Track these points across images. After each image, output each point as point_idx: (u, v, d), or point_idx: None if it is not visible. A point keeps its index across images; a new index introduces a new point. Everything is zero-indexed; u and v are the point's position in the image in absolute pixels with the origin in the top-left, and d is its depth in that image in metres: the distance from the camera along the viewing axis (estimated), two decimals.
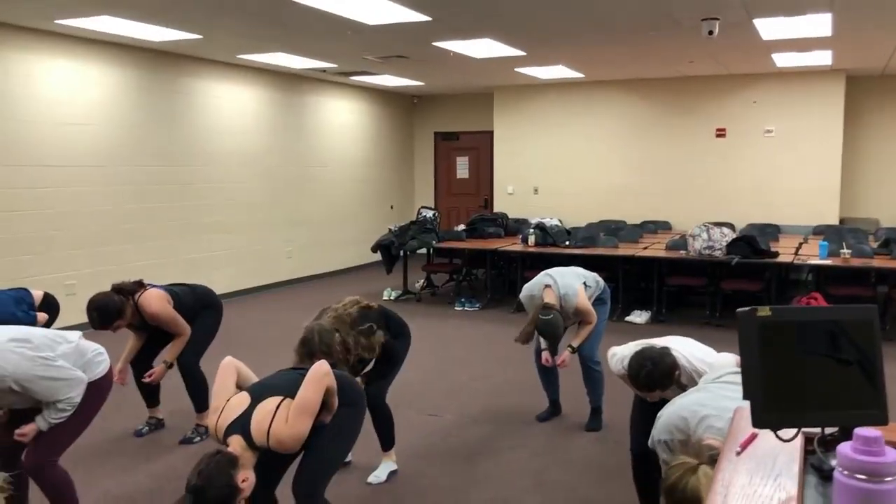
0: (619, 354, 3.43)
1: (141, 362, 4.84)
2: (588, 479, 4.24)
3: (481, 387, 5.97)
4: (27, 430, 3.17)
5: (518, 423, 5.13)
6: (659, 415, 2.68)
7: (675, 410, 2.61)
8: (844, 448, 1.19)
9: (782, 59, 9.23)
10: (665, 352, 3.19)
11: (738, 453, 1.73)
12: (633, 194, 11.44)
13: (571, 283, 4.86)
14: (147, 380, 4.69)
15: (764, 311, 1.61)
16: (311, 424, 2.79)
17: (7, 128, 7.14)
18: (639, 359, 3.17)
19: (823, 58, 9.08)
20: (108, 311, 4.35)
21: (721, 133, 10.95)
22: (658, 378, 3.13)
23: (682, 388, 3.12)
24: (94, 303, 4.35)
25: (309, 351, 3.53)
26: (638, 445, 3.39)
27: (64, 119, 7.65)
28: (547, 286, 4.86)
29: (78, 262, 7.73)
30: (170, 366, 4.67)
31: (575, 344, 4.85)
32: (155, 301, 4.53)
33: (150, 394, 4.96)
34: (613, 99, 11.55)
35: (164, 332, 4.68)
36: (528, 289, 5.00)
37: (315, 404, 2.79)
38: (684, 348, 3.30)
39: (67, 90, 7.67)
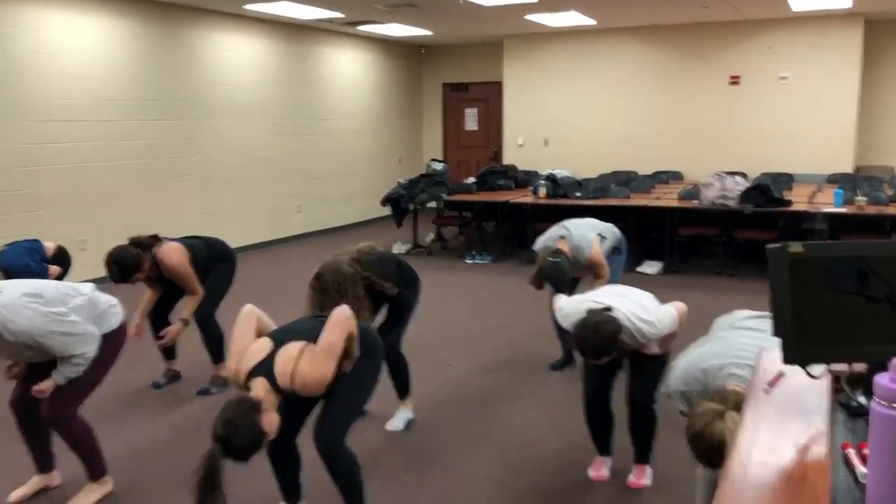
0: (567, 311, 3.43)
1: (157, 316, 4.86)
2: None
3: (494, 337, 5.99)
4: (44, 387, 3.19)
5: (532, 372, 5.15)
6: (673, 365, 2.67)
7: (693, 361, 2.60)
8: (882, 379, 1.17)
9: (799, 3, 9.04)
10: (608, 318, 3.22)
11: (766, 391, 1.72)
12: (645, 144, 11.32)
13: (586, 235, 4.84)
14: (162, 340, 4.71)
15: (795, 247, 1.58)
16: (335, 368, 2.79)
17: (17, 82, 7.08)
18: (583, 329, 3.22)
19: (843, 0, 8.88)
20: (126, 264, 4.36)
21: (735, 80, 10.78)
22: (603, 347, 3.20)
23: (624, 347, 3.26)
24: (113, 256, 4.36)
25: (322, 285, 3.54)
26: (591, 391, 3.55)
27: (71, 72, 7.58)
28: (561, 237, 4.85)
29: (90, 218, 7.73)
30: (186, 323, 4.68)
31: None
32: (174, 254, 4.53)
33: (168, 347, 4.99)
34: (625, 47, 11.37)
35: (179, 286, 4.69)
36: (543, 240, 5.00)
37: (338, 347, 2.80)
38: (626, 306, 3.31)
39: (73, 44, 7.59)
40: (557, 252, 4.68)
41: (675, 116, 11.16)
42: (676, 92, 11.14)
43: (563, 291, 4.82)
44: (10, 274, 4.79)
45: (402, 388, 4.31)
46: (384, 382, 4.36)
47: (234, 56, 9.58)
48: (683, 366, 2.63)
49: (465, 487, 3.57)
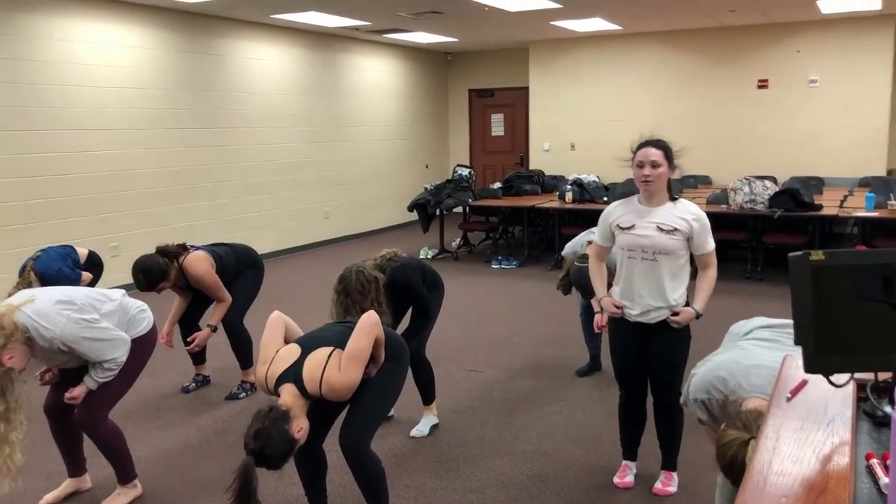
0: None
1: (187, 322, 4.92)
2: None
3: (520, 342, 5.98)
4: (77, 393, 3.26)
5: (558, 378, 5.14)
6: (693, 373, 2.65)
7: (712, 369, 2.58)
8: None
9: (828, 5, 8.93)
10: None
11: (789, 399, 1.71)
12: (673, 148, 11.23)
13: None
14: (190, 346, 4.77)
15: (817, 254, 1.58)
16: (362, 374, 2.82)
17: (52, 92, 7.23)
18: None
19: (873, 2, 8.76)
20: (152, 273, 4.42)
21: (763, 84, 10.67)
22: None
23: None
24: (140, 265, 4.43)
25: (345, 288, 3.58)
26: (627, 391, 3.67)
27: (105, 83, 7.72)
28: (590, 242, 4.82)
29: (121, 224, 7.85)
30: (214, 329, 4.74)
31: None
32: (199, 264, 4.59)
33: (197, 352, 5.05)
34: (651, 51, 11.31)
35: (207, 294, 4.75)
36: (571, 245, 5.01)
37: (366, 353, 2.83)
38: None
39: (107, 54, 7.73)
40: (585, 257, 4.67)
41: (703, 121, 11.08)
42: (704, 96, 11.06)
43: (590, 297, 4.80)
44: (45, 279, 4.90)
45: (427, 394, 4.33)
46: (409, 388, 4.39)
47: (262, 64, 9.69)
48: (703, 374, 2.61)
49: (489, 494, 3.57)
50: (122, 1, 7.81)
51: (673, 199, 3.34)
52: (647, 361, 3.44)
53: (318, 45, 10.60)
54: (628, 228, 3.32)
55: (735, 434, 2.13)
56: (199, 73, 8.82)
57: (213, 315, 4.73)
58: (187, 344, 4.80)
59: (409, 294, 4.09)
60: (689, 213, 3.30)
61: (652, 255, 3.27)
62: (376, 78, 11.90)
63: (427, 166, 13.22)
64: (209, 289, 4.64)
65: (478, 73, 13.57)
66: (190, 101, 8.71)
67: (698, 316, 3.33)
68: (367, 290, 3.55)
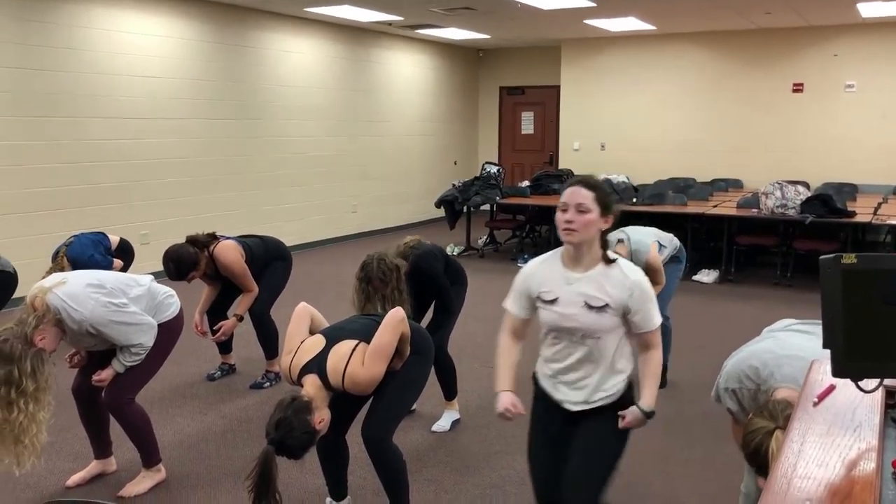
0: None
1: (214, 312, 4.98)
2: (655, 432, 4.21)
3: None
4: (104, 376, 3.31)
5: None
6: (725, 363, 2.60)
7: (745, 358, 2.53)
8: None
9: (868, 9, 8.79)
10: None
11: (815, 404, 1.69)
12: (704, 151, 11.14)
13: (644, 240, 4.80)
14: (216, 335, 4.81)
15: (849, 258, 1.56)
16: (385, 369, 2.83)
17: (88, 81, 7.34)
18: None
19: None
20: (183, 263, 4.48)
21: (798, 88, 10.54)
22: None
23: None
24: (170, 254, 4.49)
25: (367, 275, 3.60)
26: None
27: (140, 72, 7.82)
28: (619, 241, 4.79)
29: (152, 213, 7.95)
30: (240, 319, 4.79)
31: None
32: (229, 252, 4.64)
33: (223, 341, 5.10)
34: (685, 52, 11.21)
35: (236, 284, 4.80)
36: None
37: (391, 349, 2.83)
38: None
39: (142, 44, 7.83)
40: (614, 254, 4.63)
41: (736, 124, 10.96)
42: (737, 99, 10.94)
43: None
44: (77, 264, 4.98)
45: (449, 389, 4.33)
46: (432, 383, 4.40)
47: (294, 57, 9.75)
48: (735, 363, 2.56)
49: (509, 490, 3.57)
50: None
51: (608, 260, 2.52)
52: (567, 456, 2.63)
53: (350, 39, 10.64)
54: (551, 302, 2.55)
55: (762, 423, 2.11)
56: (233, 65, 8.90)
57: (239, 305, 4.77)
58: (214, 333, 4.85)
59: (430, 282, 4.09)
60: (626, 280, 2.48)
61: (581, 339, 2.53)
62: (407, 73, 11.92)
63: (455, 163, 13.22)
64: (237, 278, 4.69)
65: (509, 71, 13.54)
66: (223, 92, 8.79)
67: (649, 416, 2.57)
68: (389, 278, 3.55)
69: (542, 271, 2.59)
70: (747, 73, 10.85)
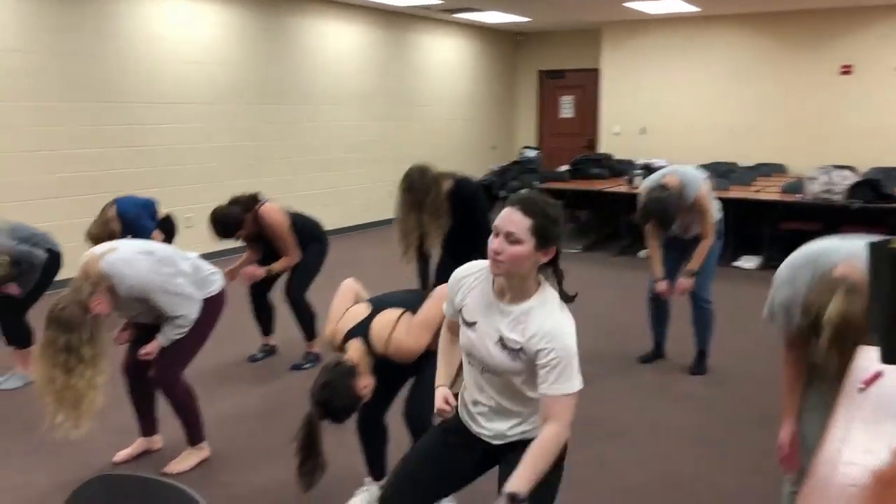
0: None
1: (258, 293, 5.03)
2: (693, 419, 4.19)
3: (581, 328, 5.90)
4: (150, 349, 3.38)
5: (620, 364, 5.09)
6: (776, 274, 2.42)
7: (797, 256, 2.38)
8: None
9: None
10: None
11: (861, 390, 1.67)
12: (747, 135, 10.95)
13: (696, 178, 4.62)
14: (249, 276, 4.79)
15: None
16: (430, 341, 2.83)
17: (131, 67, 7.46)
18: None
19: None
20: (228, 222, 4.59)
21: (846, 70, 10.28)
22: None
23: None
24: (216, 214, 4.60)
25: (410, 185, 3.82)
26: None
27: (181, 58, 7.92)
28: (670, 174, 4.65)
29: (195, 196, 8.07)
30: (269, 272, 4.79)
31: (693, 266, 4.62)
32: (274, 213, 4.72)
33: (266, 323, 5.17)
34: (729, 34, 11.00)
35: (276, 249, 4.83)
36: (649, 180, 4.74)
37: (437, 321, 2.81)
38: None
39: (184, 30, 7.93)
40: (664, 187, 4.52)
41: (780, 107, 10.74)
42: (782, 82, 10.71)
43: (667, 226, 4.55)
44: (124, 218, 5.22)
45: None
46: None
47: (334, 42, 9.79)
48: (787, 264, 2.39)
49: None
50: None
51: (542, 296, 2.22)
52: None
53: (389, 23, 10.64)
54: (469, 325, 2.19)
55: (820, 293, 2.06)
56: (274, 51, 8.96)
57: (276, 263, 4.77)
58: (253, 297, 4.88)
59: (470, 204, 4.11)
60: (546, 333, 2.16)
61: (497, 372, 2.18)
62: (446, 57, 11.89)
63: (494, 147, 13.18)
64: (280, 240, 4.73)
65: (548, 54, 13.42)
66: (264, 77, 8.86)
67: (513, 499, 1.96)
68: (430, 189, 3.54)
69: (469, 284, 2.21)
70: (793, 55, 10.61)
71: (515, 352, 2.09)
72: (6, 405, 4.40)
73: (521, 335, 2.09)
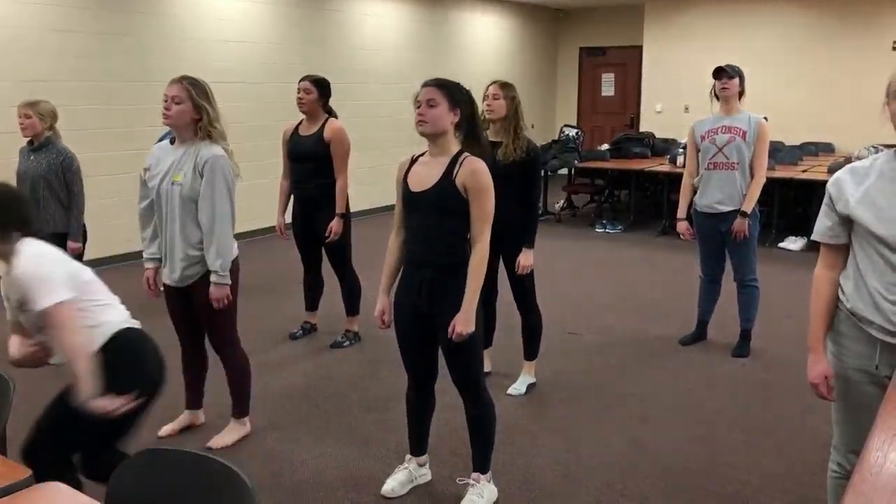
0: None
1: (313, 258, 5.03)
2: (735, 402, 4.14)
3: (622, 308, 5.89)
4: (215, 294, 3.34)
5: (660, 346, 5.04)
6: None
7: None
8: None
9: None
10: None
11: None
12: (794, 113, 10.68)
13: (760, 118, 4.78)
14: (329, 238, 4.74)
15: None
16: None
17: (178, 46, 7.58)
18: None
19: None
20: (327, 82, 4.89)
21: None
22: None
23: None
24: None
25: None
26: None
27: (226, 37, 8.00)
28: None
29: (242, 177, 8.14)
30: (343, 216, 4.77)
31: (746, 208, 4.57)
32: (344, 130, 4.83)
33: (314, 297, 5.20)
34: (775, 10, 10.73)
35: (315, 239, 4.83)
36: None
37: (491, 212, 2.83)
38: None
39: (228, 10, 7.98)
40: None
41: (829, 84, 10.47)
42: (830, 59, 10.43)
43: None
44: None
45: (531, 348, 4.28)
46: (504, 343, 4.41)
47: (374, 21, 9.77)
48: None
49: (584, 454, 3.56)
50: None
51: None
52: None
53: (430, 2, 10.58)
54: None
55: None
56: (314, 30, 8.98)
57: (337, 202, 4.75)
58: (325, 239, 4.78)
59: (535, 166, 4.07)
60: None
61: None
62: (487, 35, 11.80)
63: (533, 126, 13.05)
64: (337, 154, 4.75)
65: (589, 31, 13.24)
66: (304, 56, 8.88)
67: None
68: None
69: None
70: (841, 30, 10.31)
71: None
72: (54, 379, 4.51)
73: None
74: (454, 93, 2.86)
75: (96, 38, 6.93)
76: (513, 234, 3.91)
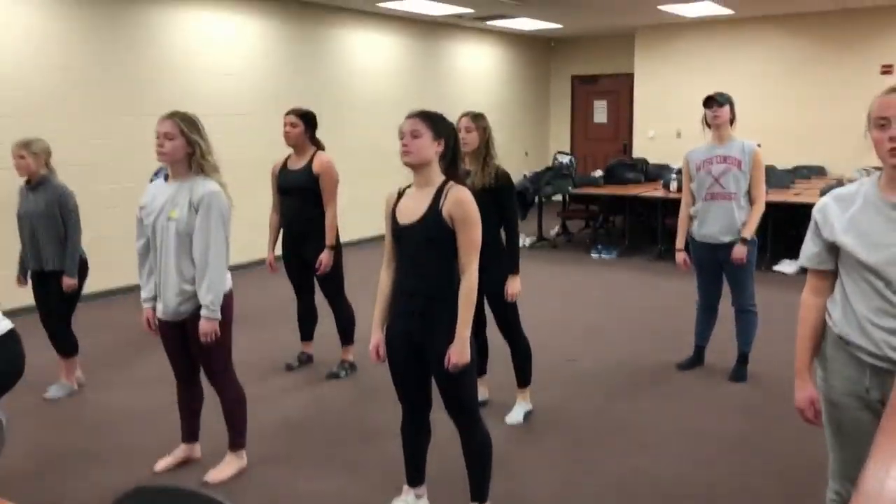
0: None
1: (305, 287, 5.04)
2: (734, 426, 4.12)
3: (619, 334, 5.89)
4: (204, 328, 3.32)
5: (658, 371, 5.03)
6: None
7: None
8: None
9: None
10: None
11: None
12: (785, 137, 10.76)
13: (754, 145, 4.80)
14: (319, 270, 4.76)
15: None
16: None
17: (168, 79, 7.62)
18: None
19: None
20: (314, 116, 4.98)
21: (887, 70, 10.09)
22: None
23: None
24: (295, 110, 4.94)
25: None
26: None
27: (217, 69, 8.05)
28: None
29: (237, 210, 8.15)
30: (333, 247, 4.77)
31: (746, 234, 4.59)
32: (331, 163, 4.83)
33: (308, 326, 5.19)
34: (765, 36, 10.86)
35: (306, 268, 4.83)
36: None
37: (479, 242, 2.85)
38: None
39: (219, 42, 8.06)
40: None
41: (819, 108, 10.56)
42: (820, 83, 10.54)
43: None
44: None
45: (523, 376, 4.26)
46: (500, 371, 4.39)
47: (367, 52, 9.86)
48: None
49: (583, 482, 3.54)
50: None
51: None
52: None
53: (422, 32, 10.69)
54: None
55: None
56: (307, 61, 9.06)
57: (326, 235, 4.76)
58: (315, 269, 4.79)
59: (508, 195, 4.06)
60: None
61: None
62: (479, 65, 11.91)
63: (527, 153, 13.15)
64: (327, 186, 4.76)
65: (581, 60, 13.37)
66: (299, 87, 8.95)
67: None
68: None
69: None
70: (831, 55, 10.44)
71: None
72: (51, 414, 4.49)
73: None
74: (437, 124, 2.92)
75: (94, 73, 6.97)
76: (489, 263, 3.89)
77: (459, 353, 2.78)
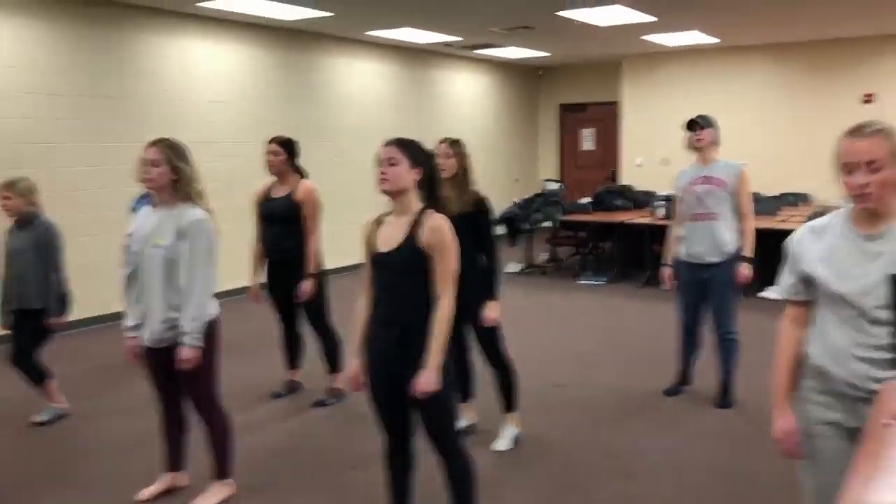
0: None
1: (288, 315, 5.03)
2: (721, 454, 4.12)
3: (607, 360, 5.90)
4: (185, 355, 3.31)
5: (646, 397, 5.04)
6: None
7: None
8: None
9: None
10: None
11: (888, 425, 1.63)
12: (771, 165, 10.87)
13: (739, 165, 4.87)
14: (300, 299, 4.76)
15: None
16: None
17: (162, 106, 7.66)
18: None
19: None
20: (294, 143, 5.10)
21: (868, 99, 10.23)
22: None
23: None
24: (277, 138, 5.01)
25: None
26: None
27: (209, 97, 8.10)
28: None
29: (225, 236, 8.15)
30: (314, 275, 4.76)
31: (747, 253, 4.73)
32: (315, 190, 4.85)
33: (294, 354, 5.18)
34: (750, 65, 11.01)
35: (288, 293, 4.81)
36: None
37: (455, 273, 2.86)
38: None
39: (211, 70, 8.11)
40: None
41: (804, 136, 10.68)
42: (805, 111, 10.68)
43: None
44: None
45: (509, 401, 4.23)
46: (488, 397, 4.38)
47: (355, 80, 9.93)
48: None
49: None
50: (225, 19, 8.16)
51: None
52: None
53: (411, 60, 10.79)
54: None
55: None
56: (296, 88, 9.11)
57: (309, 262, 4.75)
58: (296, 298, 4.78)
59: (485, 219, 4.03)
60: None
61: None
62: (467, 93, 12.00)
63: (517, 180, 13.22)
64: (310, 214, 4.77)
65: (569, 88, 13.50)
66: (288, 115, 9.00)
67: None
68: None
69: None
70: (814, 84, 10.58)
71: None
72: (34, 441, 4.44)
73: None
74: (415, 151, 2.92)
75: (83, 100, 7.00)
76: (466, 288, 3.89)
77: (426, 381, 2.77)
